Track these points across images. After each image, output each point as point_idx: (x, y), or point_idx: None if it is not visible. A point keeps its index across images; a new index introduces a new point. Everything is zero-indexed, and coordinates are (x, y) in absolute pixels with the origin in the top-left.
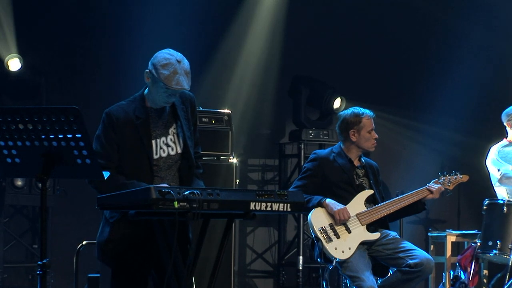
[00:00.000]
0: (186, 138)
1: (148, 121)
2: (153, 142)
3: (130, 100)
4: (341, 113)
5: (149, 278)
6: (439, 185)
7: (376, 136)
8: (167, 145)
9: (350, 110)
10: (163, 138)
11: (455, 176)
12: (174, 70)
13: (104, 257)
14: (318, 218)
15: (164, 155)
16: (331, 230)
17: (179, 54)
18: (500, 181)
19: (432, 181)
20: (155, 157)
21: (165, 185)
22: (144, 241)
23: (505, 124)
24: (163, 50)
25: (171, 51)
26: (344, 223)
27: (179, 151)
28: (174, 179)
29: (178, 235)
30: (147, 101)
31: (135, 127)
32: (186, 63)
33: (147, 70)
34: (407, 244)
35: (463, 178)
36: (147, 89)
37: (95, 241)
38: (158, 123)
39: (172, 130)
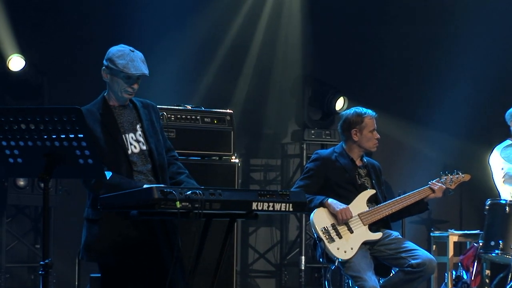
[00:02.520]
0: (148, 136)
1: (113, 117)
2: (123, 136)
3: (92, 104)
4: (343, 112)
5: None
6: (441, 184)
7: (378, 136)
8: (137, 141)
9: (352, 110)
10: (132, 134)
11: (457, 175)
12: (131, 58)
13: (94, 254)
14: (320, 218)
15: (136, 150)
16: (333, 230)
17: (130, 47)
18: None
19: (434, 180)
20: (129, 152)
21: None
22: (138, 234)
23: (509, 124)
24: (114, 46)
25: (122, 45)
26: (346, 223)
27: (147, 147)
28: (150, 173)
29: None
30: (109, 100)
31: (102, 124)
32: (139, 53)
33: (103, 68)
34: (409, 244)
35: (465, 177)
36: (106, 91)
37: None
38: (123, 119)
39: (139, 127)
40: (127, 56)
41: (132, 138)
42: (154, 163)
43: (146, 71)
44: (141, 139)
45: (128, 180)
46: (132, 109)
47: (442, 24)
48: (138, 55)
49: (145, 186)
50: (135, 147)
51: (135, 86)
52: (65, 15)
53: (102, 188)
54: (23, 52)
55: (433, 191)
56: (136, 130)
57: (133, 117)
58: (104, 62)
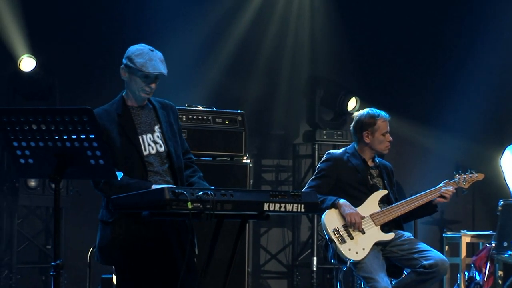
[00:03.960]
0: (167, 139)
1: (130, 117)
2: (140, 138)
3: (110, 104)
4: (356, 113)
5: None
6: (450, 187)
7: (391, 138)
8: (155, 142)
9: (365, 111)
10: (149, 135)
11: (471, 175)
12: (149, 57)
13: (109, 258)
14: (331, 219)
15: (153, 151)
16: (344, 231)
17: (150, 46)
18: None
19: (443, 181)
20: (145, 153)
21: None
22: (150, 237)
23: None
24: (134, 45)
25: (142, 44)
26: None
27: (166, 149)
28: (167, 174)
29: (184, 237)
30: (127, 100)
31: (119, 125)
32: (159, 52)
33: (122, 66)
34: (422, 245)
35: (479, 176)
36: (124, 91)
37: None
38: (141, 120)
39: (157, 128)
40: (146, 55)
41: (149, 139)
42: (173, 166)
43: (164, 70)
44: (158, 140)
45: (138, 181)
46: (151, 110)
47: (454, 25)
48: (157, 54)
49: (154, 186)
50: (152, 148)
51: (153, 86)
52: (77, 15)
53: (111, 189)
54: (34, 52)
55: (443, 197)
56: (154, 131)
57: (151, 118)
58: (123, 60)
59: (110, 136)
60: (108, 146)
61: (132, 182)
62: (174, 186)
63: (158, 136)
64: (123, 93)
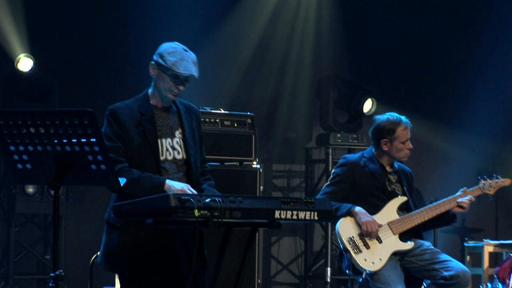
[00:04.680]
0: (188, 146)
1: (153, 118)
2: (159, 141)
3: (133, 99)
4: (376, 117)
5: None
6: (467, 198)
7: (411, 146)
8: (173, 148)
9: (385, 116)
10: (169, 140)
11: (496, 180)
12: (181, 57)
13: (114, 265)
14: (346, 228)
15: (170, 157)
16: (360, 240)
17: (184, 46)
18: None
19: (461, 189)
20: (161, 158)
21: (184, 184)
22: (159, 246)
23: None
24: (167, 42)
25: (176, 42)
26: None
27: (184, 157)
28: (182, 181)
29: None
30: (151, 99)
31: (140, 124)
32: (192, 53)
33: (152, 62)
34: (442, 255)
35: (505, 181)
36: (150, 88)
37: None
38: (164, 122)
39: (178, 133)
40: (179, 54)
41: (168, 144)
42: (190, 175)
43: (195, 73)
44: (177, 147)
45: (150, 175)
46: (175, 113)
47: (475, 24)
48: (191, 55)
49: (168, 182)
50: (169, 153)
51: (181, 88)
52: (76, 13)
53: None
54: (33, 52)
55: (462, 207)
56: (174, 136)
57: (173, 122)
58: (154, 56)
59: (128, 134)
60: (125, 144)
61: (145, 175)
62: (189, 184)
63: (177, 142)
64: (149, 90)
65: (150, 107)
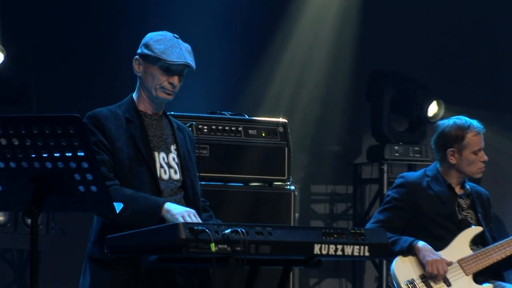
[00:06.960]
0: (183, 167)
1: (143, 126)
2: (154, 154)
3: (116, 105)
4: (439, 122)
5: None
6: None
7: (485, 158)
8: (169, 166)
9: (451, 121)
10: (163, 154)
11: None
12: (172, 44)
13: None
14: (405, 268)
15: (165, 177)
16: (422, 284)
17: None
18: None
19: None
20: (157, 175)
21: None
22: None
23: None
24: (154, 32)
25: (165, 31)
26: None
27: (181, 178)
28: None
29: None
30: (139, 104)
31: (128, 133)
32: (185, 43)
33: (136, 57)
34: None
35: None
36: (135, 92)
37: None
38: (156, 133)
39: (173, 149)
40: (168, 42)
41: (163, 159)
42: (189, 204)
43: (192, 62)
44: (174, 164)
45: (146, 195)
46: (167, 125)
47: None
48: (184, 44)
49: (167, 206)
50: (165, 172)
51: (176, 82)
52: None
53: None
54: (4, 43)
55: None
56: (170, 151)
57: (167, 135)
58: (138, 49)
59: (116, 146)
60: (112, 156)
61: (139, 195)
62: (194, 210)
63: (173, 159)
64: (134, 95)
65: (138, 113)
